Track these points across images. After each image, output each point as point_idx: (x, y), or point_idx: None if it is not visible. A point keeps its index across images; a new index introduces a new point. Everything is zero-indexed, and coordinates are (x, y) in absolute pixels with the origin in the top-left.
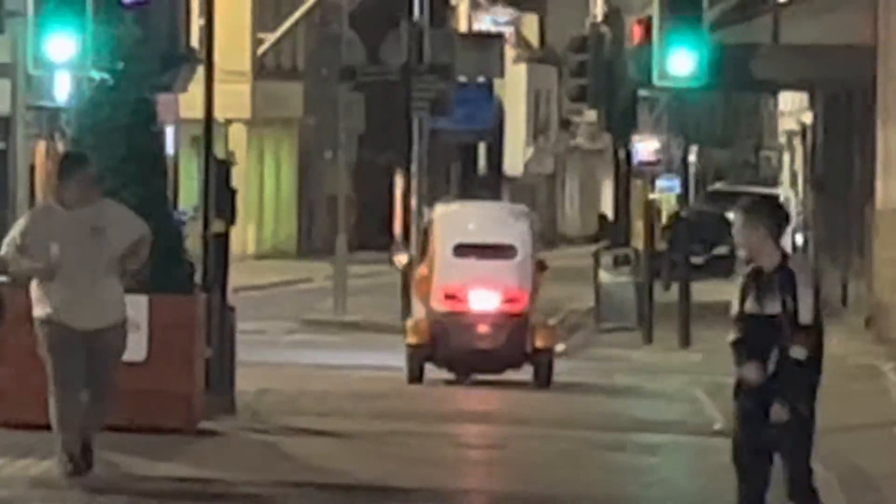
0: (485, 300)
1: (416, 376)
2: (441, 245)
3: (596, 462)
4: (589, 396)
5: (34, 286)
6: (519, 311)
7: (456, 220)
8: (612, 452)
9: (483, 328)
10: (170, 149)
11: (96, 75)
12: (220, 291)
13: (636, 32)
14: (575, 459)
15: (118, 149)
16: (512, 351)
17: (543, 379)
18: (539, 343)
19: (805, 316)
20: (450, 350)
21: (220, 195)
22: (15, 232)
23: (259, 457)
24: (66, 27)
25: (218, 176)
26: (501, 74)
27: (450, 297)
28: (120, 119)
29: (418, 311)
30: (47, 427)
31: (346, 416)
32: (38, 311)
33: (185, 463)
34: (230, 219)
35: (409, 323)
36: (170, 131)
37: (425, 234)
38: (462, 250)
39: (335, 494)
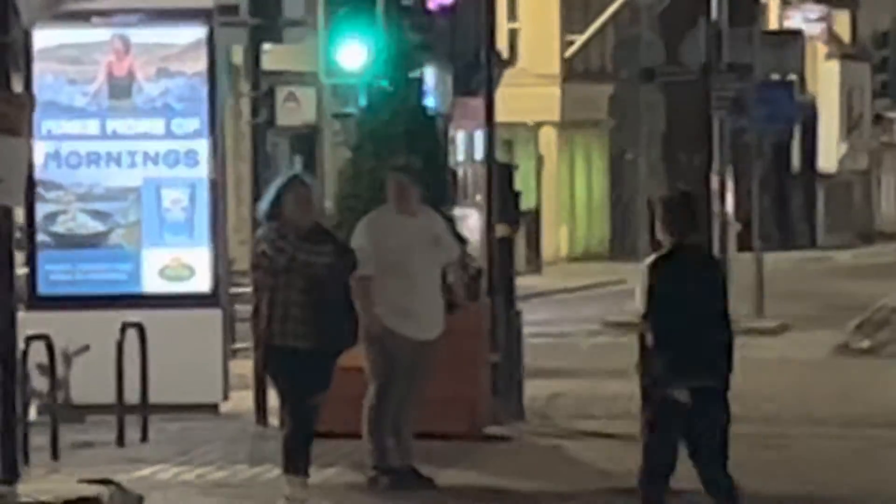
0: None
1: None
2: None
3: (888, 461)
4: (881, 395)
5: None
6: None
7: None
8: None
9: None
10: (479, 153)
11: (385, 83)
12: (506, 296)
13: None
14: (865, 458)
15: (398, 155)
16: None
17: None
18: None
19: None
20: None
21: (503, 199)
22: (366, 247)
23: (543, 461)
24: (357, 35)
25: (501, 180)
26: (800, 72)
27: None
28: (398, 125)
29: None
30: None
31: (635, 419)
32: (376, 323)
33: (469, 468)
34: (514, 223)
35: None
36: (478, 135)
37: None
38: None
39: (617, 498)
